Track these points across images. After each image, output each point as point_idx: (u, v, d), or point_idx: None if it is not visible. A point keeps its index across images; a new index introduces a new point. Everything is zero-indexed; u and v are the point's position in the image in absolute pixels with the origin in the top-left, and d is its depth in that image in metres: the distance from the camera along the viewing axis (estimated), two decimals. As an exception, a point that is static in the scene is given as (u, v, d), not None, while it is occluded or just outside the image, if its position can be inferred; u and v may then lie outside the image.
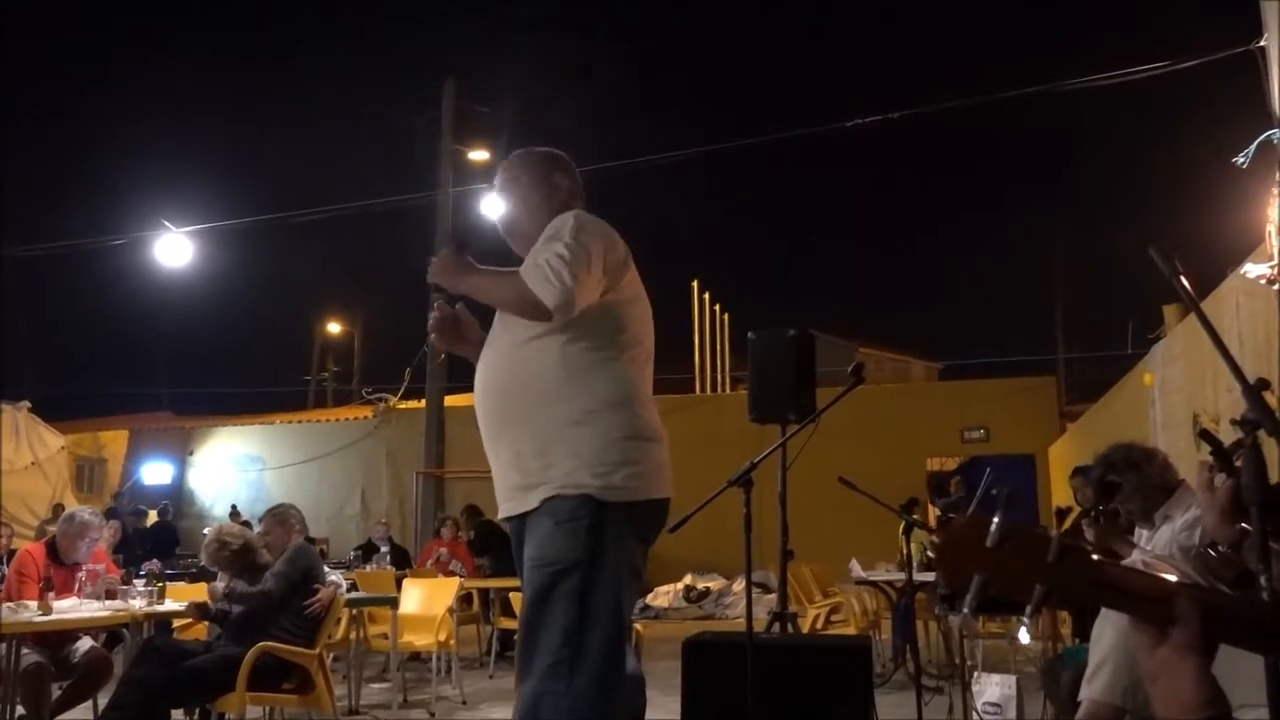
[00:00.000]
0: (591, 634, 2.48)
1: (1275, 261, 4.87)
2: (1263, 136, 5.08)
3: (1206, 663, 1.07)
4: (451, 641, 7.07)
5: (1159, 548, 3.28)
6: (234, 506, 15.97)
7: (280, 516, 5.06)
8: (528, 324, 2.66)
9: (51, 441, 15.89)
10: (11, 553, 6.79)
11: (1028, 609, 1.09)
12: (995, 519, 1.10)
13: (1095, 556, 1.11)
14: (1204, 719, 1.04)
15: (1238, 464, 2.09)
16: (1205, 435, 2.21)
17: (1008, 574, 1.09)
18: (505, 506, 2.68)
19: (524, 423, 2.64)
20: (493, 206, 3.05)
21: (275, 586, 4.65)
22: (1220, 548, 2.11)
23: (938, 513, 12.79)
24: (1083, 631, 4.17)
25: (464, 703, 6.74)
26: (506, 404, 2.70)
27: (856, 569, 7.98)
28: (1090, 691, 2.92)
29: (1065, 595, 1.09)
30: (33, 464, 15.30)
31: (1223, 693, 1.07)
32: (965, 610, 1.12)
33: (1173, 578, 1.16)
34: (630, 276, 2.74)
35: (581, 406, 2.59)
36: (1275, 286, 4.91)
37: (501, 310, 2.73)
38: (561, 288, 2.52)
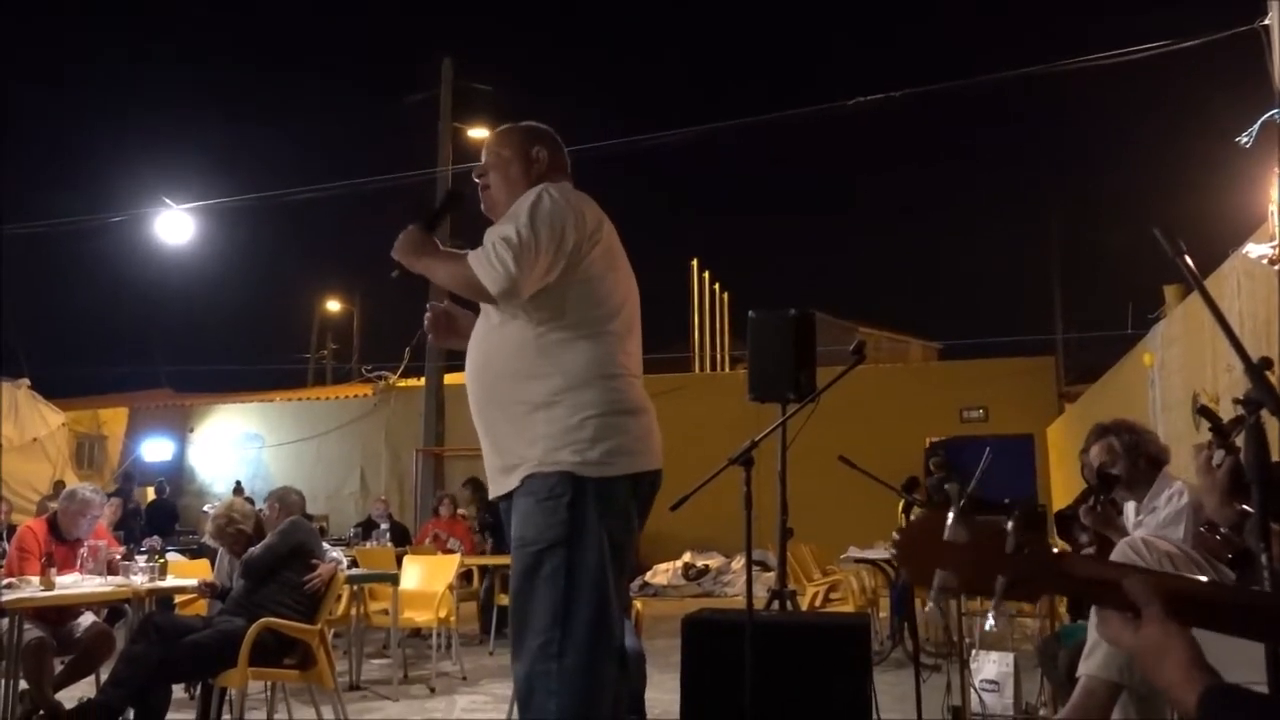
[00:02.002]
0: (578, 613, 2.49)
1: (1277, 241, 4.86)
2: (1266, 116, 5.06)
3: (1188, 638, 1.08)
4: (451, 618, 7.11)
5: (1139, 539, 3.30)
6: (238, 483, 15.99)
7: (283, 500, 5.07)
8: (502, 308, 2.68)
9: (51, 419, 15.89)
10: (12, 528, 6.80)
11: (992, 602, 1.10)
12: (950, 513, 1.10)
13: (1054, 549, 1.12)
14: (1203, 689, 1.04)
15: (1235, 442, 2.10)
16: (1204, 412, 2.21)
17: (967, 567, 1.09)
18: (492, 488, 2.70)
19: (501, 404, 2.67)
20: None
21: (259, 554, 4.66)
22: (1222, 530, 2.12)
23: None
24: (1080, 610, 4.19)
25: (464, 678, 6.78)
26: (485, 387, 2.72)
27: (854, 551, 8.01)
28: (1087, 668, 2.93)
29: (1026, 586, 1.10)
30: (33, 441, 15.31)
31: (1209, 666, 1.08)
32: (931, 604, 1.13)
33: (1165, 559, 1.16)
34: (602, 248, 2.70)
35: (553, 385, 2.59)
36: (1277, 267, 4.90)
37: (451, 291, 2.73)
38: (504, 272, 2.52)
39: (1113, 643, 1.13)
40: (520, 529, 2.57)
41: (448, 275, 2.70)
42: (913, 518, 1.19)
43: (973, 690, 4.81)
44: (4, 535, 7.24)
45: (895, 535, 1.11)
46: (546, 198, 2.65)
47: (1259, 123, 5.04)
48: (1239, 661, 1.42)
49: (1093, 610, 3.11)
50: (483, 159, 2.94)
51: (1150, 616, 1.09)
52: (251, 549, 4.75)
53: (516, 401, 2.63)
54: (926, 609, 5.96)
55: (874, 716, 4.57)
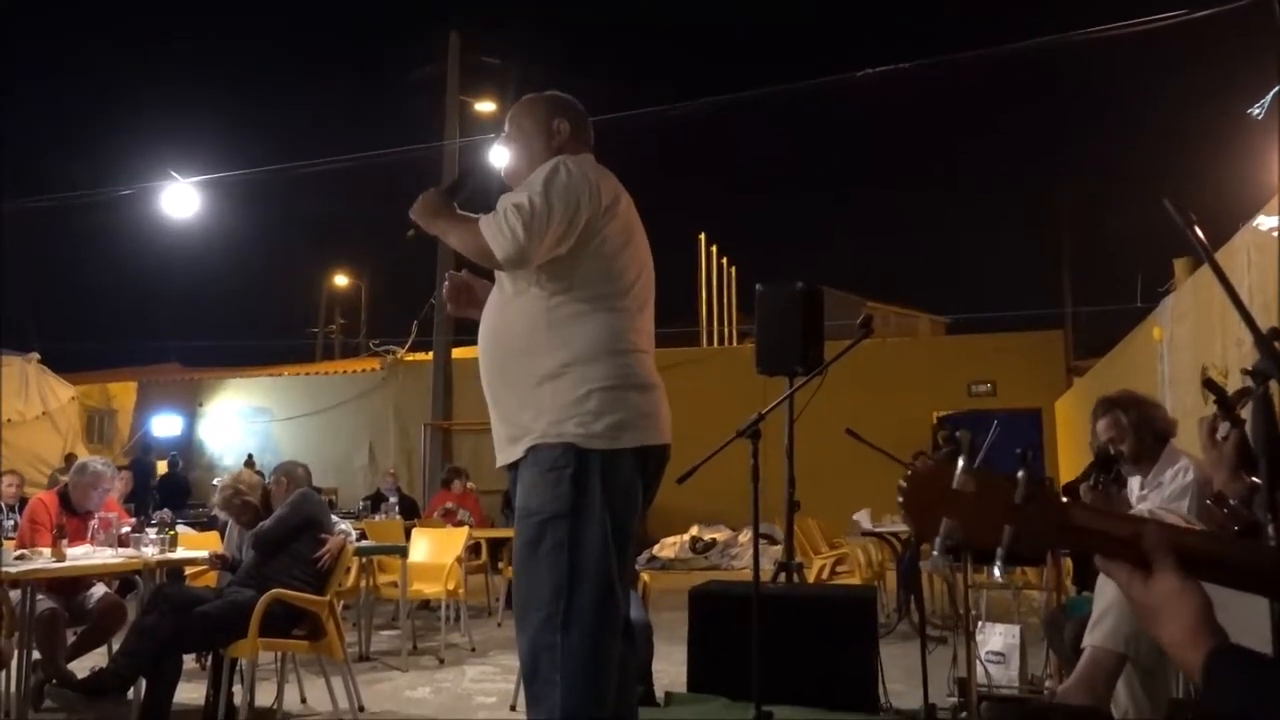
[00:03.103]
0: (581, 586, 2.49)
1: (1288, 214, 4.82)
2: (1278, 88, 5.01)
3: (1201, 595, 1.07)
4: (460, 590, 7.15)
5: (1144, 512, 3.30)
6: (250, 456, 16.05)
7: (289, 474, 5.08)
8: (514, 279, 2.69)
9: (61, 392, 15.94)
10: (24, 501, 6.85)
11: (999, 551, 1.08)
12: (960, 462, 1.09)
13: (1063, 499, 1.10)
14: (1211, 649, 1.04)
15: (1241, 414, 2.09)
16: (1209, 385, 2.21)
17: (974, 517, 1.07)
18: (499, 457, 2.71)
19: (510, 376, 2.68)
20: (499, 156, 3.03)
21: (270, 527, 4.68)
22: (1230, 503, 2.12)
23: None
24: (1085, 582, 4.20)
25: (473, 650, 6.83)
26: (495, 357, 2.73)
27: (864, 520, 8.00)
28: (1093, 639, 2.94)
29: (1031, 537, 1.08)
30: (43, 414, 15.36)
31: (1219, 626, 1.07)
32: (935, 553, 1.11)
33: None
34: (619, 223, 2.69)
35: (561, 358, 2.59)
36: (1287, 239, 4.87)
37: (463, 255, 2.73)
38: (513, 240, 2.53)
39: (1122, 589, 1.12)
40: (524, 499, 2.59)
41: (459, 239, 2.70)
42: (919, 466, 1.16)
43: (978, 662, 4.82)
44: (16, 508, 7.29)
45: (901, 483, 1.09)
46: (564, 169, 2.64)
47: (1270, 94, 4.99)
48: (1244, 631, 1.42)
49: (1098, 582, 3.13)
50: (505, 126, 2.93)
51: (1164, 569, 1.08)
52: (262, 522, 4.78)
53: (525, 373, 2.63)
54: (932, 556, 5.96)
55: (880, 688, 4.60)
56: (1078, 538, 1.10)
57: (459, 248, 2.72)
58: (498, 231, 2.56)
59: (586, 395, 2.56)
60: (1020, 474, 1.08)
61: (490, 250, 2.57)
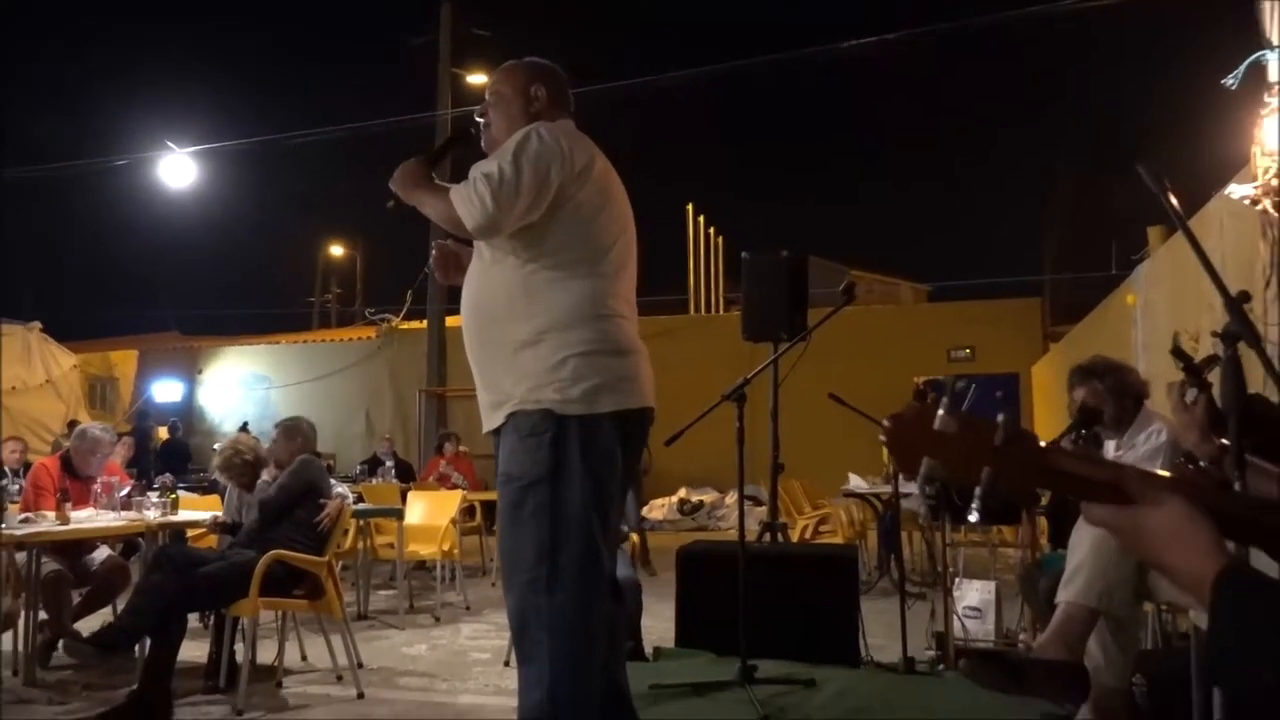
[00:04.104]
0: (564, 547, 2.48)
1: (1260, 182, 4.82)
2: (1253, 58, 4.98)
3: (1212, 523, 1.06)
4: (455, 551, 7.17)
5: None
6: (245, 423, 16.01)
7: (290, 430, 5.04)
8: (492, 247, 2.66)
9: (63, 360, 15.85)
10: (27, 466, 6.83)
11: (977, 490, 1.08)
12: (942, 404, 1.08)
13: (1043, 443, 1.10)
14: (1221, 567, 1.03)
15: (1208, 379, 2.10)
16: (1177, 352, 2.21)
17: (955, 457, 1.06)
18: (485, 423, 2.70)
19: (491, 343, 2.65)
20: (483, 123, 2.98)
21: (274, 495, 4.67)
22: (1201, 463, 2.13)
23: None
24: (1060, 539, 4.23)
25: (467, 608, 6.86)
26: (476, 325, 2.71)
27: (854, 481, 8.05)
28: (1067, 594, 2.97)
29: (1012, 479, 1.07)
30: (46, 382, 15.28)
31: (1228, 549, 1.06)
32: (915, 491, 1.11)
33: None
34: (593, 188, 2.64)
35: (538, 325, 2.57)
36: (1259, 206, 4.87)
37: (437, 223, 2.69)
38: (481, 209, 2.50)
39: (1109, 524, 1.11)
40: (506, 464, 2.57)
41: (433, 209, 2.66)
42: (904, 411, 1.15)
43: (955, 617, 4.87)
44: (20, 473, 7.27)
45: (886, 423, 1.09)
46: (535, 137, 2.59)
47: (1245, 64, 4.96)
48: None
49: (1072, 539, 3.15)
50: (486, 93, 2.88)
51: (1171, 498, 1.06)
52: (267, 488, 4.75)
53: (504, 340, 2.61)
54: (912, 495, 6.01)
55: (861, 642, 4.64)
56: (1058, 480, 1.09)
57: (434, 217, 2.68)
58: (467, 200, 2.53)
59: (563, 361, 2.53)
60: (1001, 417, 1.08)
61: (459, 218, 2.55)
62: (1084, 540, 2.98)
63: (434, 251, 2.93)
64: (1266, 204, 4.83)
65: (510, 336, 2.60)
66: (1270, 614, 0.99)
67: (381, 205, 2.79)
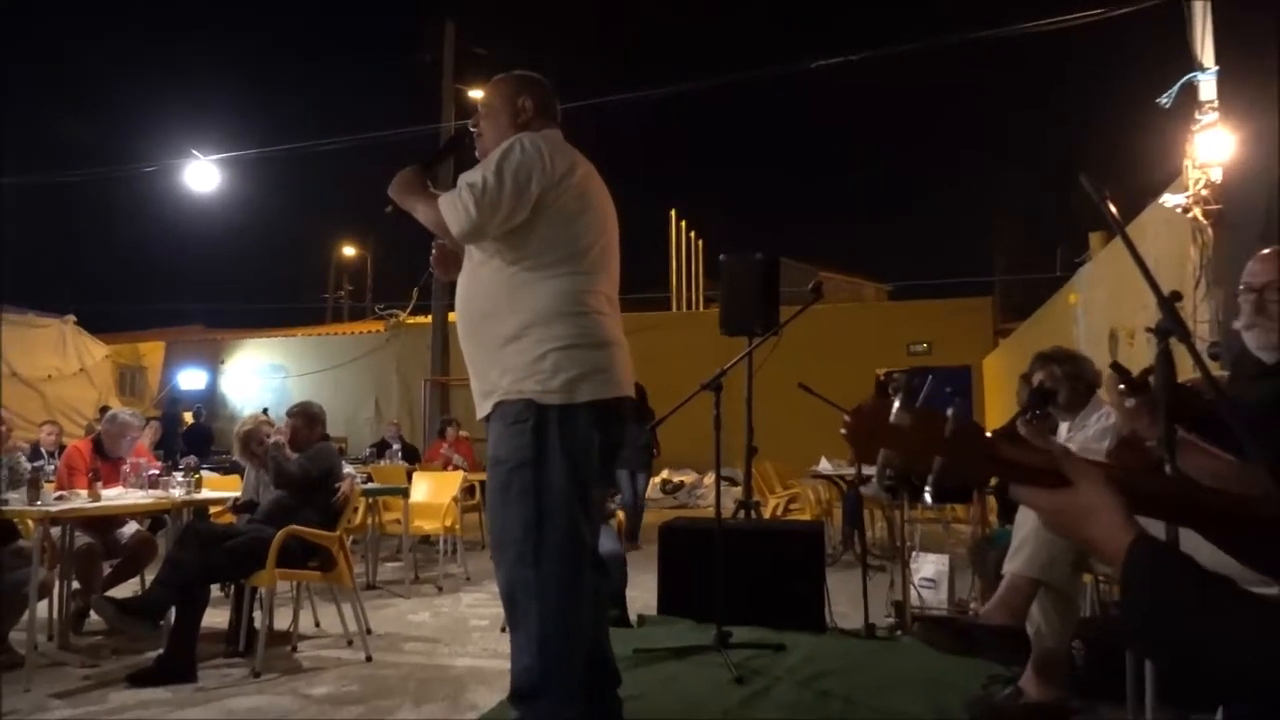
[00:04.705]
0: (548, 525, 2.49)
1: (1191, 192, 4.85)
2: (1185, 79, 5.01)
3: (1121, 498, 1.07)
4: (456, 526, 7.16)
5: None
6: (265, 410, 15.92)
7: (307, 414, 5.00)
8: (480, 249, 2.66)
9: (96, 351, 15.77)
10: (62, 448, 6.78)
11: (929, 478, 1.08)
12: (897, 399, 1.09)
13: (987, 433, 1.11)
14: (1131, 539, 1.04)
15: (1148, 382, 2.11)
16: (1115, 367, 2.21)
17: (909, 448, 1.07)
18: (477, 411, 2.70)
19: (479, 338, 2.66)
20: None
21: (295, 471, 4.63)
22: (1149, 443, 2.14)
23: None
24: (1007, 516, 4.25)
25: (468, 579, 6.85)
26: (467, 321, 2.72)
27: (823, 463, 8.07)
28: (1012, 566, 2.97)
29: (959, 467, 1.07)
30: (80, 371, 15.20)
31: (1138, 522, 1.07)
32: (874, 480, 1.12)
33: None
34: (573, 193, 2.63)
35: (521, 321, 2.57)
36: (1190, 214, 4.90)
37: (428, 228, 2.70)
38: (465, 216, 2.52)
39: (1033, 505, 1.12)
40: (494, 449, 2.59)
41: (424, 215, 2.67)
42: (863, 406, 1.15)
43: (912, 587, 4.89)
44: (55, 454, 7.21)
45: (846, 417, 1.09)
46: (518, 147, 2.59)
47: (1178, 85, 4.98)
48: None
49: (1018, 516, 3.16)
50: (479, 108, 2.88)
51: (1086, 476, 1.08)
52: (281, 454, 4.67)
53: (491, 335, 2.62)
54: (870, 483, 6.01)
55: (826, 610, 4.66)
56: (1000, 467, 1.10)
57: (425, 222, 2.68)
58: (452, 208, 2.54)
59: (544, 355, 2.54)
60: (951, 410, 1.08)
61: (446, 224, 2.56)
62: (1029, 517, 2.99)
63: (434, 250, 2.93)
64: (1197, 212, 4.86)
65: (496, 332, 2.60)
66: (1176, 582, 1.00)
67: (382, 196, 2.79)
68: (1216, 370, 3.09)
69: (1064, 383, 3.63)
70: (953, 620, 4.01)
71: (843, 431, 1.09)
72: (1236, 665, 0.94)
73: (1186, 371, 1.81)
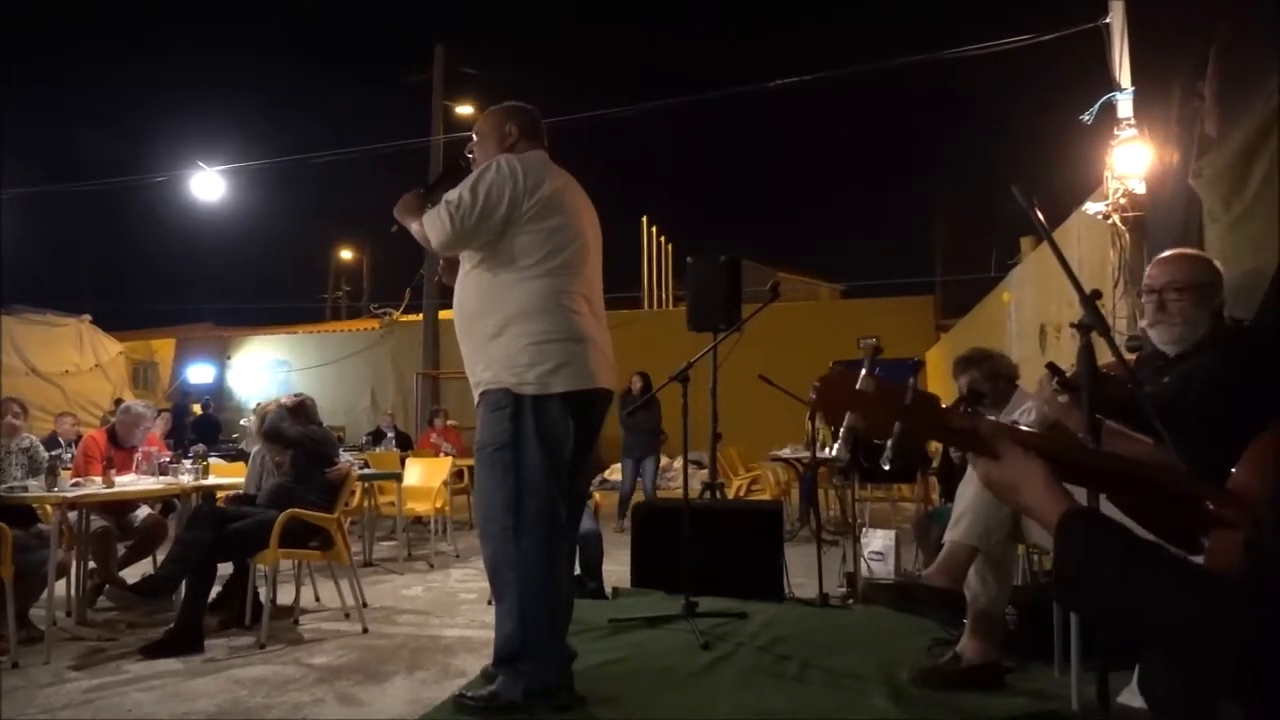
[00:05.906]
0: (526, 502, 2.55)
1: (1110, 200, 4.90)
2: (1105, 98, 5.06)
3: (1044, 466, 1.08)
4: (446, 508, 7.12)
5: None
6: (259, 404, 15.73)
7: (299, 408, 4.94)
8: (468, 257, 2.75)
9: (111, 347, 15.57)
10: (78, 438, 6.67)
11: (888, 442, 1.10)
12: (862, 370, 1.10)
13: (941, 405, 1.13)
14: (1064, 511, 1.05)
15: (1075, 382, 2.13)
16: (1052, 367, 2.23)
17: (872, 413, 1.09)
18: (474, 399, 2.76)
19: (469, 335, 2.74)
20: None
21: (296, 433, 4.60)
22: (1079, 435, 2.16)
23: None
24: (949, 494, 4.28)
25: (457, 556, 6.82)
26: (460, 320, 2.79)
27: (785, 452, 8.11)
28: (952, 535, 2.98)
29: (917, 431, 1.10)
30: (96, 366, 15.01)
31: (1068, 491, 1.08)
32: (837, 447, 1.14)
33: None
34: (547, 204, 2.68)
35: (500, 319, 2.64)
36: (1109, 220, 4.95)
37: (421, 243, 2.80)
38: (443, 230, 2.63)
39: (978, 473, 1.14)
40: (479, 434, 2.66)
41: (417, 231, 2.77)
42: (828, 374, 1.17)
43: (863, 560, 4.92)
44: (73, 443, 7.09)
45: (816, 383, 1.10)
46: (494, 167, 2.67)
47: (1099, 103, 5.04)
48: None
49: (958, 491, 3.18)
50: (473, 136, 2.97)
51: (1008, 448, 1.10)
52: (287, 427, 4.64)
53: (478, 333, 2.69)
54: (837, 445, 6.04)
55: (785, 582, 4.68)
56: (950, 434, 1.13)
57: (418, 238, 2.78)
58: (433, 224, 2.65)
59: (521, 350, 2.60)
60: (911, 382, 1.10)
61: (428, 238, 2.69)
62: (968, 490, 3.01)
63: (441, 260, 3.03)
64: (1115, 219, 4.92)
65: (481, 330, 2.68)
66: (1105, 545, 1.01)
67: (385, 215, 2.99)
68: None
69: (986, 382, 3.66)
70: (897, 583, 4.04)
71: (812, 395, 1.10)
72: (1157, 619, 0.94)
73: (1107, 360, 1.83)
